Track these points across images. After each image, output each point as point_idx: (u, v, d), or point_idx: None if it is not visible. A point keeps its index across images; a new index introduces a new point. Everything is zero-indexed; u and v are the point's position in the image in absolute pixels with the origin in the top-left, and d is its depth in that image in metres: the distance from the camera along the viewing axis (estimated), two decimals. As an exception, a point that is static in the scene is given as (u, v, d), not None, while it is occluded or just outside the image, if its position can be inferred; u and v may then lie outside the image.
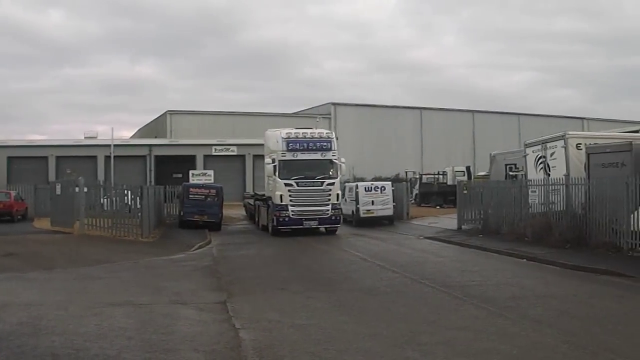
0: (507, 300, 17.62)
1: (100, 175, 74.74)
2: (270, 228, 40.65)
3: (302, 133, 40.63)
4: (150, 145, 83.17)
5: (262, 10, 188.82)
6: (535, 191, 33.69)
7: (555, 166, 33.49)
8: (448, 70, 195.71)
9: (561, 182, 30.91)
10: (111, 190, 39.88)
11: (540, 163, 35.18)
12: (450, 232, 39.35)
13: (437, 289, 19.48)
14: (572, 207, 29.75)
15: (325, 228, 40.96)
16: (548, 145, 34.50)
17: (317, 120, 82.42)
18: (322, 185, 39.80)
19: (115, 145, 75.59)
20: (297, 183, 39.29)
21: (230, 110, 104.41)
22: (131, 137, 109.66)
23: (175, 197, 49.11)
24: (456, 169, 73.12)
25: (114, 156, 74.50)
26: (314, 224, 39.93)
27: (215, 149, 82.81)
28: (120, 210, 36.65)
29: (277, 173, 39.52)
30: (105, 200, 38.59)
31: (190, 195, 44.63)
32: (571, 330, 14.04)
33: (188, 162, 78.30)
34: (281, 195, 39.15)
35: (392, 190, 49.20)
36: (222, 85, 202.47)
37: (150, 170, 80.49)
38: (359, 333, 13.79)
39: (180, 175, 71.13)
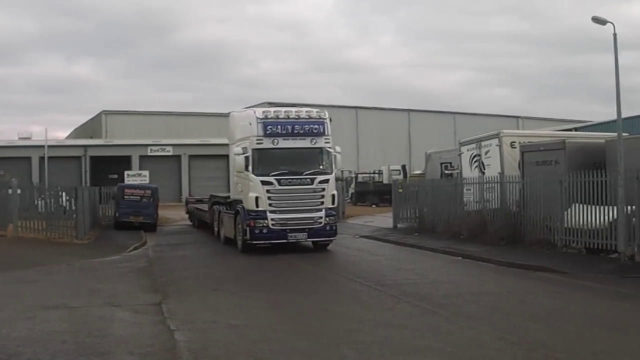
0: (442, 298, 17.76)
1: (35, 177, 73.84)
2: (240, 243, 30.08)
3: (285, 112, 29.89)
4: (85, 146, 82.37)
5: (199, 10, 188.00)
6: (470, 189, 33.91)
7: (489, 164, 33.80)
8: (385, 70, 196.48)
9: (496, 180, 31.15)
10: (45, 192, 39.41)
11: (475, 161, 35.47)
12: (385, 230, 39.39)
13: (372, 288, 19.54)
14: (506, 204, 30.01)
15: (315, 242, 30.85)
16: (483, 143, 34.80)
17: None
18: (312, 184, 29.30)
19: (49, 146, 74.81)
20: (278, 181, 28.83)
21: (166, 110, 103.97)
22: (66, 138, 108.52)
23: (111, 198, 48.65)
24: (392, 167, 73.51)
25: (49, 157, 73.74)
26: (302, 236, 29.59)
27: (151, 150, 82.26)
28: (55, 212, 36.25)
29: (250, 167, 28.96)
30: (40, 201, 38.13)
31: (126, 196, 44.11)
32: (506, 326, 14.19)
33: (124, 162, 77.74)
34: (256, 198, 28.67)
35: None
36: (159, 85, 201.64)
37: (85, 171, 79.71)
38: (295, 333, 13.82)
39: (115, 176, 70.52)
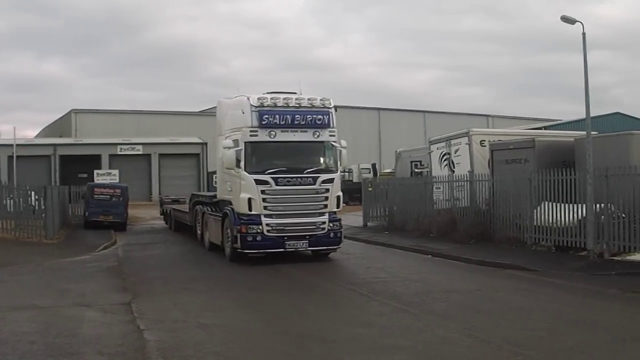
0: (412, 296, 17.80)
1: (4, 176, 73.01)
2: (228, 250, 26.06)
3: (284, 99, 25.49)
4: (54, 145, 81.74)
5: (170, 8, 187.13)
6: (439, 188, 33.98)
7: (459, 163, 33.95)
8: (355, 68, 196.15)
9: (465, 179, 31.27)
10: (14, 191, 39.14)
11: (445, 160, 35.59)
12: (355, 229, 39.22)
13: (342, 286, 19.57)
14: (476, 203, 30.14)
15: (314, 251, 26.23)
16: (452, 142, 34.95)
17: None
18: (315, 183, 25.22)
19: (18, 145, 73.98)
20: (275, 180, 24.71)
21: (136, 109, 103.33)
22: (35, 137, 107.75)
23: (80, 198, 48.42)
24: (362, 166, 73.33)
25: (18, 156, 72.90)
26: (302, 245, 25.21)
27: (121, 148, 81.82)
28: (24, 212, 36.00)
29: (242, 163, 24.99)
30: (9, 201, 37.85)
31: (95, 196, 43.87)
32: (476, 324, 14.22)
33: (93, 161, 77.19)
34: (249, 200, 24.62)
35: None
36: (129, 84, 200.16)
37: (55, 170, 79.08)
38: (264, 331, 13.84)
39: (85, 175, 70.06)
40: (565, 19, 23.42)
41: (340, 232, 26.11)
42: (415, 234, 32.64)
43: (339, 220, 26.10)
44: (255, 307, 16.92)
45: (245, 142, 24.89)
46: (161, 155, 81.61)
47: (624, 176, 22.58)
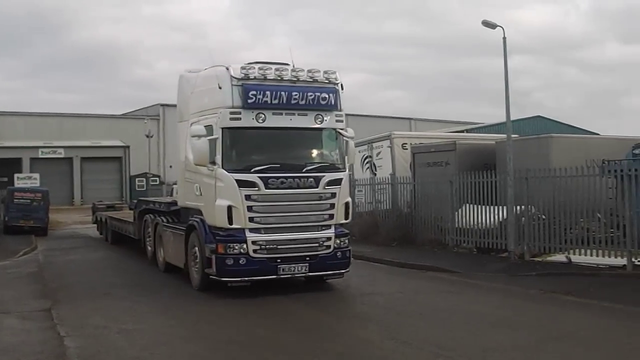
0: (333, 299, 17.87)
1: None
2: (196, 277, 19.46)
3: (277, 71, 18.37)
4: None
5: (94, 9, 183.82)
6: (362, 190, 34.14)
7: (381, 166, 34.15)
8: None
9: (387, 181, 31.49)
10: None
11: (367, 163, 35.75)
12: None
13: (263, 290, 19.39)
14: (398, 205, 30.33)
15: (313, 277, 19.43)
16: (374, 145, 35.12)
17: (145, 122, 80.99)
18: (317, 186, 18.55)
19: (-64, 150, 73.10)
20: (265, 181, 17.93)
21: (58, 111, 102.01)
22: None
23: (0, 202, 47.74)
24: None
25: None
26: (301, 269, 18.54)
27: (42, 152, 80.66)
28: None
29: (218, 158, 18.09)
30: None
31: (15, 200, 43.21)
32: (397, 326, 14.33)
33: (14, 165, 75.72)
34: (229, 208, 17.81)
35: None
36: (51, 86, 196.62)
37: (-26, 174, 77.98)
38: (186, 337, 13.76)
39: (5, 179, 68.78)
40: (487, 24, 23.66)
41: (349, 250, 19.70)
42: (338, 237, 32.68)
43: (348, 235, 19.76)
44: (176, 312, 16.73)
45: (223, 129, 18.11)
46: (83, 159, 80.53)
47: (544, 178, 22.90)
